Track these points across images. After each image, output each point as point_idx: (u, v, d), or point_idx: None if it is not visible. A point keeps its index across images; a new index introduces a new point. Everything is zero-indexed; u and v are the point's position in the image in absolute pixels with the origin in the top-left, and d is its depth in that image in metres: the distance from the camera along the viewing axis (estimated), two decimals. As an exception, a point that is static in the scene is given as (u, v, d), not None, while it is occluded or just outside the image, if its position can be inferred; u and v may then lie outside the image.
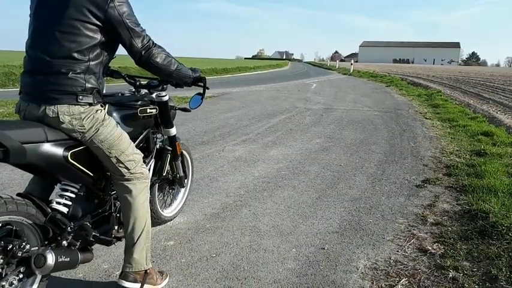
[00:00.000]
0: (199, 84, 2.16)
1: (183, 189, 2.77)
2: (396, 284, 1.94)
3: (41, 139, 1.46)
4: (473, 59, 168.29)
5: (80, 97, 1.55)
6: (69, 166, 1.56)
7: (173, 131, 2.40)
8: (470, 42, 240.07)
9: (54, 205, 1.61)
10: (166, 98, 2.17)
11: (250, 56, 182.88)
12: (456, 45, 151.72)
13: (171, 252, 2.22)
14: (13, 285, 1.43)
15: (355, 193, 3.29)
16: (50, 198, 1.70)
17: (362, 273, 2.04)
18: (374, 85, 17.32)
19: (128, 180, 1.74)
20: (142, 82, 2.16)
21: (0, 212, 1.35)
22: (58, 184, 1.71)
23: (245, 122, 6.73)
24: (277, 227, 2.60)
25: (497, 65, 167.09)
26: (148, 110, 2.03)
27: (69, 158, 1.54)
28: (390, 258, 2.21)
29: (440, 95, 11.10)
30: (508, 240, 2.32)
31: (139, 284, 1.74)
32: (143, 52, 1.65)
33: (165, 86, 2.16)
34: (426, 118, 7.45)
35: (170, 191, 2.68)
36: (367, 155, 4.54)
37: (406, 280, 1.98)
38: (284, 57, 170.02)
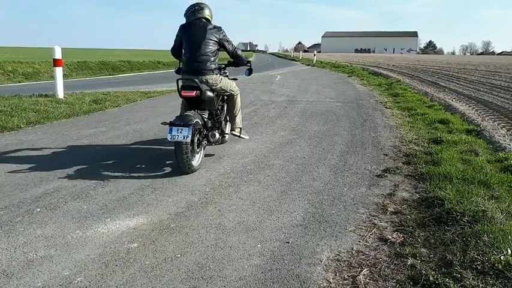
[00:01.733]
0: (248, 64, 4.52)
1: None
2: (358, 274, 2.00)
3: (205, 88, 3.75)
4: (431, 47, 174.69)
5: (213, 71, 3.84)
6: (212, 99, 3.85)
7: None
8: (428, 31, 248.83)
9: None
10: (227, 73, 4.46)
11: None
12: (414, 34, 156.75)
13: (134, 255, 2.18)
14: (200, 146, 3.78)
15: (319, 185, 3.35)
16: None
17: (325, 265, 2.09)
18: (336, 75, 17.63)
19: (234, 95, 4.20)
20: (222, 65, 4.45)
21: (195, 117, 3.56)
22: (197, 111, 3.76)
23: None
24: (243, 223, 2.61)
25: (453, 53, 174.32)
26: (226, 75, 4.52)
27: (214, 96, 3.87)
28: (352, 249, 2.27)
29: (400, 84, 11.47)
30: (462, 226, 2.44)
31: (239, 133, 4.34)
32: (234, 51, 4.08)
33: (227, 68, 4.54)
34: (386, 107, 7.68)
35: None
36: (330, 147, 4.63)
37: (367, 270, 2.04)
38: (248, 49, 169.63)
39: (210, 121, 3.92)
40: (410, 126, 5.76)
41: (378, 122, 6.11)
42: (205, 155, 4.12)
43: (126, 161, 4.03)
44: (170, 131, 3.34)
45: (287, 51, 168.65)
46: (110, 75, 20.57)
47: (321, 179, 3.50)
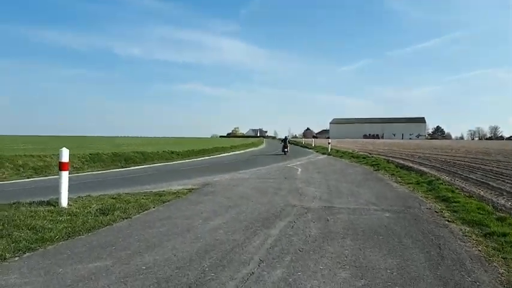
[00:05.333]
0: None
1: None
2: None
3: None
4: (439, 132, 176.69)
5: None
6: None
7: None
8: (434, 117, 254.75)
9: None
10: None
11: (225, 134, 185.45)
12: (422, 120, 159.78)
13: None
14: None
15: None
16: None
17: None
18: (361, 169, 16.57)
19: None
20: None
21: None
22: None
23: (238, 236, 5.44)
24: None
25: (461, 138, 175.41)
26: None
27: None
28: None
29: (441, 183, 10.26)
30: None
31: None
32: None
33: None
34: (449, 221, 6.38)
35: None
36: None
37: None
38: (258, 135, 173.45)
39: None
40: (502, 258, 4.42)
41: (457, 250, 4.78)
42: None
43: None
44: None
45: (296, 136, 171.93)
46: (122, 167, 19.84)
47: None
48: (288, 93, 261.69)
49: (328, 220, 6.41)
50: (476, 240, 5.25)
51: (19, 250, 4.87)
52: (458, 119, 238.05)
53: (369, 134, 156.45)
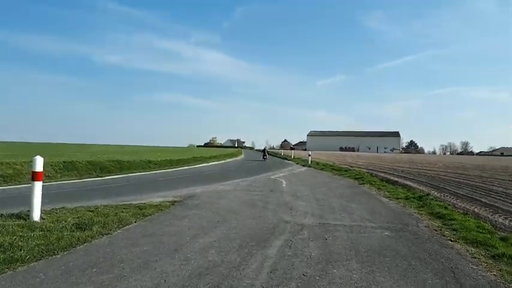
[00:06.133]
0: None
1: None
2: None
3: None
4: (412, 147, 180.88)
5: None
6: None
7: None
8: (407, 131, 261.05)
9: None
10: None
11: (203, 144, 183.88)
12: (396, 134, 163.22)
13: None
14: None
15: None
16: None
17: None
18: (345, 182, 16.34)
19: None
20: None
21: None
22: None
23: (232, 257, 4.96)
24: None
25: (434, 152, 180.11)
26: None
27: None
28: None
29: (432, 199, 10.07)
30: None
31: None
32: None
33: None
34: (451, 240, 6.09)
35: None
36: None
37: None
38: (236, 145, 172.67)
39: None
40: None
41: (472, 275, 4.44)
42: None
43: None
44: None
45: (273, 148, 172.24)
46: (97, 176, 18.93)
47: None
48: (266, 105, 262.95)
49: (326, 239, 6.00)
50: (487, 262, 4.96)
51: (-18, 273, 4.24)
52: (431, 134, 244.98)
53: (345, 147, 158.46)
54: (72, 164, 20.28)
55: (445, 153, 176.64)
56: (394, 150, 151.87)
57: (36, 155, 7.42)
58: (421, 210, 8.85)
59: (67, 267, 4.53)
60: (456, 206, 9.11)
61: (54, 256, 5.01)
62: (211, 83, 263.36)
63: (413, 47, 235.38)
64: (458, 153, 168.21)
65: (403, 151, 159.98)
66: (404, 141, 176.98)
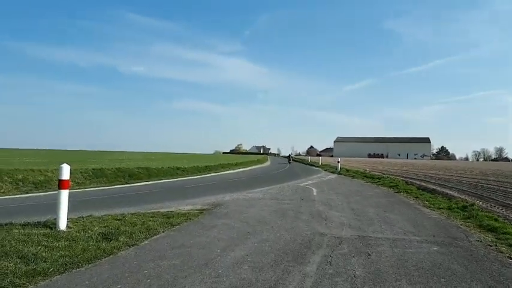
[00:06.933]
0: None
1: None
2: None
3: None
4: (443, 153, 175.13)
5: None
6: None
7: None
8: (438, 137, 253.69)
9: None
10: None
11: (228, 151, 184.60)
12: (427, 140, 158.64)
13: None
14: None
15: None
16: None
17: None
18: (380, 191, 15.59)
19: None
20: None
21: None
22: None
23: (268, 275, 4.51)
24: None
25: (466, 159, 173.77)
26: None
27: None
28: None
29: (478, 209, 9.30)
30: None
31: None
32: None
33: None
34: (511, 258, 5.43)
35: None
36: None
37: None
38: (262, 152, 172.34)
39: None
40: None
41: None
42: None
43: None
44: None
45: (299, 154, 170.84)
46: (126, 183, 18.97)
47: None
48: (292, 111, 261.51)
49: (370, 255, 5.46)
50: None
51: (2, 288, 3.97)
52: (463, 140, 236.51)
53: (374, 153, 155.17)
54: (101, 171, 20.42)
55: (478, 160, 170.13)
56: (425, 157, 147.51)
57: (64, 162, 7.26)
58: (468, 222, 8.12)
59: (91, 283, 4.21)
60: (508, 218, 8.33)
61: (78, 269, 4.72)
62: (234, 90, 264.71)
63: (442, 51, 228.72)
64: (492, 160, 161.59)
65: (434, 157, 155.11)
66: (435, 147, 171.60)
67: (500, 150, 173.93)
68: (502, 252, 5.73)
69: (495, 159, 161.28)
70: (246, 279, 4.35)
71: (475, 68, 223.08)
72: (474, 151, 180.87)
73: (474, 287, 4.17)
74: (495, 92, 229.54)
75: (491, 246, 6.14)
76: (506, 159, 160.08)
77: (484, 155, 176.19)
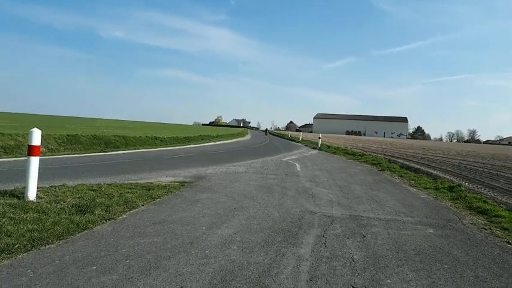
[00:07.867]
0: None
1: None
2: None
3: None
4: (419, 133, 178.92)
5: None
6: None
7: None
8: (413, 117, 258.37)
9: None
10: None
11: (208, 123, 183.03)
12: (404, 119, 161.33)
13: None
14: None
15: None
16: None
17: None
18: (364, 168, 15.47)
19: None
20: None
21: None
22: None
23: (259, 257, 4.13)
24: None
25: (440, 139, 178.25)
26: None
27: None
28: None
29: (466, 190, 9.20)
30: None
31: None
32: None
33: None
34: (510, 243, 5.24)
35: None
36: None
37: None
38: (242, 125, 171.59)
39: None
40: None
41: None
42: None
43: None
44: None
45: (279, 129, 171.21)
46: (102, 151, 18.19)
47: None
48: (273, 86, 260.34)
49: (364, 236, 5.16)
50: None
51: (-42, 267, 3.45)
52: (438, 121, 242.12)
53: (352, 131, 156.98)
54: (76, 137, 19.53)
55: (451, 141, 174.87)
56: (401, 136, 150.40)
57: (36, 127, 6.60)
58: (458, 204, 7.98)
59: (61, 263, 3.73)
60: (496, 200, 8.23)
61: (47, 246, 4.22)
62: (216, 61, 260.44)
63: (422, 32, 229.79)
64: (465, 141, 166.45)
65: (410, 137, 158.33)
66: (411, 127, 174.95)
67: (473, 133, 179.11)
68: (498, 237, 5.55)
69: (467, 141, 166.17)
70: (237, 261, 3.96)
71: (455, 49, 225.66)
72: (449, 132, 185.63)
73: (480, 275, 3.92)
74: (472, 76, 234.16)
75: (485, 229, 5.96)
76: (478, 141, 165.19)
77: (458, 137, 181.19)
